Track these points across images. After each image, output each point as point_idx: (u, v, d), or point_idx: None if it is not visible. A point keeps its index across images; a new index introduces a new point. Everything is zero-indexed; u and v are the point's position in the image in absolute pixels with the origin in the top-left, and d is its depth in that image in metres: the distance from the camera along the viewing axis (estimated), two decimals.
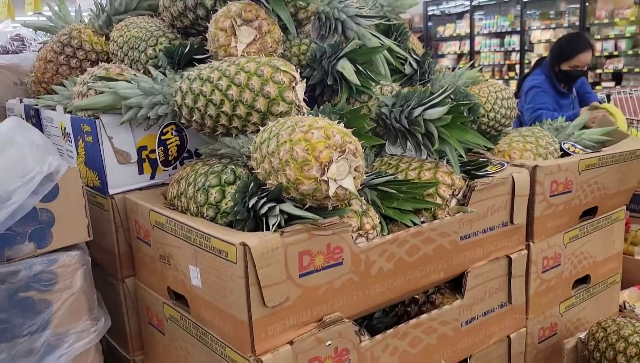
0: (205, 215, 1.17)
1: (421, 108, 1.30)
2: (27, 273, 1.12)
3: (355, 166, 1.05)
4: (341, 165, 1.03)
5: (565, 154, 1.69)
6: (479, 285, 1.38)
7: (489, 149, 1.61)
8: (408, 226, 1.23)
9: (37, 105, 1.75)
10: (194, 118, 1.26)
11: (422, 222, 1.25)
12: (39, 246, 1.15)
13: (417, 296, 1.42)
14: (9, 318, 1.11)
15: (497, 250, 1.41)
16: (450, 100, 1.29)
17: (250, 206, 1.07)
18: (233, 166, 1.22)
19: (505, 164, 1.44)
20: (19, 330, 1.12)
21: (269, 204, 1.05)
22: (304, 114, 1.22)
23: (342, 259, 1.11)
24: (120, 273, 1.43)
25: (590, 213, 1.65)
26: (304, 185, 1.01)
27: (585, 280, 1.70)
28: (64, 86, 1.67)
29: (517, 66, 8.95)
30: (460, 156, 1.30)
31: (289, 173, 1.02)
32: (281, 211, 1.05)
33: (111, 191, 1.39)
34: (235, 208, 1.10)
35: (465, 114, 1.44)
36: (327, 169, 1.01)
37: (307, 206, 1.06)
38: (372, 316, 1.38)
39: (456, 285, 1.41)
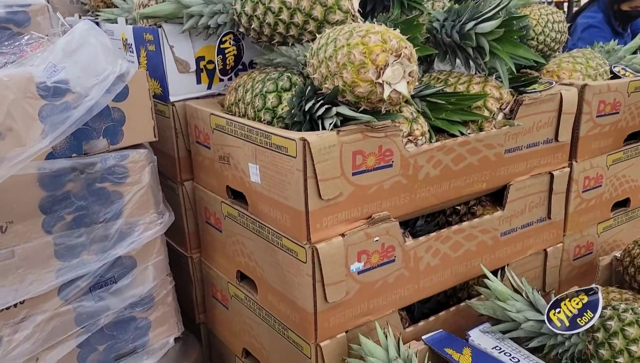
0: (262, 119, 1.24)
1: (473, 22, 1.32)
2: (102, 166, 1.22)
3: (409, 71, 1.09)
4: (396, 69, 1.07)
5: (615, 77, 1.69)
6: (520, 199, 1.43)
7: (538, 69, 1.62)
8: (455, 136, 1.28)
9: (96, 19, 1.82)
10: (252, 26, 1.31)
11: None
12: (112, 142, 1.25)
13: (458, 207, 1.49)
14: (87, 205, 1.22)
15: (540, 166, 1.45)
16: (502, 15, 1.31)
17: (306, 109, 1.14)
18: (289, 74, 1.27)
19: (554, 82, 1.46)
20: (96, 217, 1.24)
21: (325, 107, 1.11)
22: None
23: (392, 161, 1.17)
24: (180, 176, 1.53)
25: (635, 136, 1.66)
26: (360, 87, 1.07)
27: (624, 203, 1.74)
28: (124, 0, 1.74)
29: None
30: (510, 71, 1.33)
31: (345, 76, 1.07)
32: (337, 114, 1.11)
33: (172, 99, 1.47)
34: (292, 111, 1.17)
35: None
36: (383, 72, 1.06)
37: (361, 109, 1.12)
38: (414, 223, 1.46)
39: (497, 198, 1.46)
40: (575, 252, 1.64)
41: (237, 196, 1.36)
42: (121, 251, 1.28)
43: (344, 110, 1.11)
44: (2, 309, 1.16)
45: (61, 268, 1.22)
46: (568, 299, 1.19)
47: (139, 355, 1.39)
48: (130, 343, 1.37)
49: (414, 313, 1.48)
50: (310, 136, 1.06)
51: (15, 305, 1.18)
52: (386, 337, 1.16)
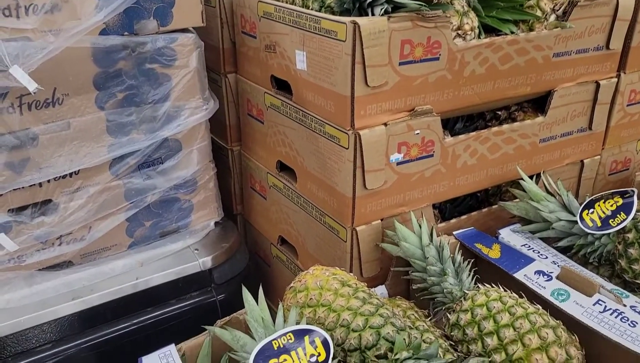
0: (310, 8, 1.24)
1: None
2: (152, 46, 1.25)
3: None
4: None
5: None
6: (563, 106, 1.42)
7: None
8: (505, 35, 1.26)
9: None
10: None
11: None
12: (162, 24, 1.26)
13: (499, 112, 1.49)
14: (137, 85, 1.26)
15: (587, 74, 1.43)
16: None
17: None
18: None
19: None
20: (145, 98, 1.28)
21: None
22: None
23: (439, 55, 1.17)
24: (223, 68, 1.56)
25: None
26: None
27: None
28: None
29: None
30: None
31: None
32: (387, 0, 1.10)
33: None
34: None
35: None
36: None
37: None
38: (453, 126, 1.47)
39: (539, 105, 1.46)
40: (611, 167, 1.64)
41: (281, 87, 1.38)
42: (168, 133, 1.33)
43: None
44: (59, 177, 1.23)
45: (112, 144, 1.27)
46: (602, 200, 1.21)
47: (182, 234, 1.48)
48: (174, 223, 1.45)
49: (445, 214, 1.52)
50: (360, 20, 1.06)
51: (70, 175, 1.25)
52: (420, 226, 1.20)
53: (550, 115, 1.41)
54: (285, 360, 0.85)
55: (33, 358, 1.21)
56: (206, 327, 1.01)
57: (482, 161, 1.35)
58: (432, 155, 1.26)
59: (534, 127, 1.40)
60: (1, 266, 1.23)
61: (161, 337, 1.01)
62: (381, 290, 1.24)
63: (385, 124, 1.16)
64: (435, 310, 1.16)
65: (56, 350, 1.23)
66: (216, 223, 1.54)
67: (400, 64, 1.13)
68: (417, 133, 1.21)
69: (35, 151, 1.18)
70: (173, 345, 1.01)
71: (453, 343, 1.07)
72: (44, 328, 1.23)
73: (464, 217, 1.39)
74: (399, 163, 1.21)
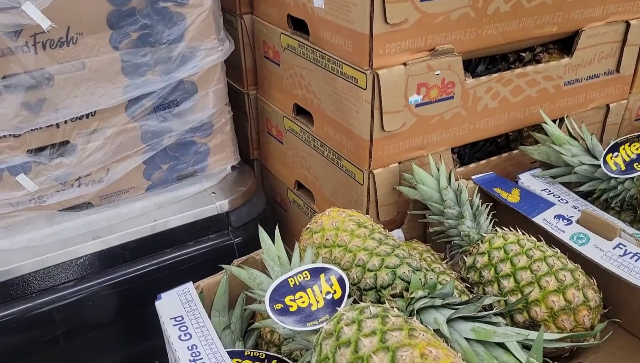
0: None
1: None
2: None
3: None
4: None
5: None
6: (590, 47, 1.37)
7: None
8: None
9: None
10: None
11: None
12: None
13: (523, 54, 1.43)
14: (151, 24, 1.23)
15: (616, 13, 1.36)
16: None
17: None
18: None
19: None
20: (160, 37, 1.26)
21: None
22: None
23: None
24: (239, 8, 1.52)
25: None
26: None
27: None
28: None
29: None
30: None
31: None
32: None
33: None
34: None
35: None
36: None
37: None
38: (474, 69, 1.42)
39: (565, 47, 1.40)
40: (638, 112, 1.59)
41: (297, 28, 1.34)
42: (183, 74, 1.31)
43: None
44: (76, 118, 1.23)
45: (128, 85, 1.26)
46: (628, 143, 1.18)
47: (199, 178, 1.48)
48: (191, 166, 1.46)
49: (464, 159, 1.49)
50: None
51: (87, 116, 1.25)
52: (438, 169, 1.18)
53: (577, 56, 1.36)
54: (301, 297, 0.85)
55: (56, 295, 1.24)
56: (223, 265, 1.02)
57: (504, 104, 1.31)
58: (452, 97, 1.22)
59: (559, 69, 1.35)
60: (22, 206, 1.25)
61: (179, 278, 1.03)
62: (398, 234, 1.24)
63: (405, 64, 1.13)
64: (452, 253, 1.16)
65: (78, 287, 1.27)
66: (233, 167, 1.54)
67: (421, 0, 1.09)
68: (438, 74, 1.18)
69: (51, 92, 1.18)
70: (191, 282, 1.03)
71: (469, 286, 1.08)
72: (66, 266, 1.26)
73: (482, 162, 1.37)
74: (418, 105, 1.18)
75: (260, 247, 0.97)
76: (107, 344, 1.38)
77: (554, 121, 1.32)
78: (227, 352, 0.89)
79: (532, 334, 0.76)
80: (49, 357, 1.27)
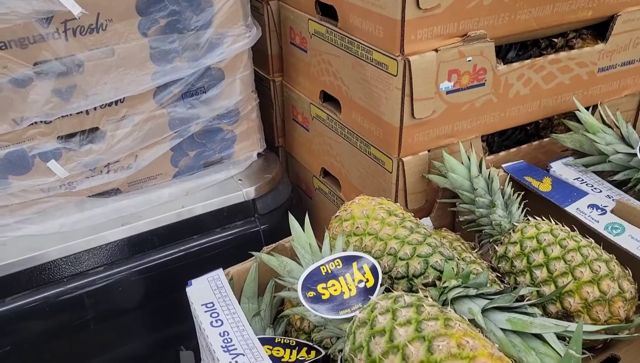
0: None
1: None
2: None
3: None
4: None
5: None
6: (626, 32, 1.33)
7: None
8: None
9: None
10: None
11: None
12: None
13: (555, 40, 1.40)
14: (180, 11, 1.23)
15: None
16: None
17: None
18: None
19: None
20: (188, 24, 1.25)
21: None
22: None
23: None
24: None
25: None
26: None
27: None
28: None
29: None
30: None
31: None
32: None
33: None
34: None
35: None
36: None
37: None
38: (506, 53, 1.40)
39: (599, 33, 1.37)
40: None
41: (325, 13, 1.33)
42: (210, 61, 1.31)
43: None
44: (105, 105, 1.24)
45: (156, 71, 1.26)
46: None
47: (225, 164, 1.48)
48: (218, 153, 1.46)
49: (493, 148, 1.47)
50: None
51: (116, 103, 1.25)
52: (469, 157, 1.17)
53: (612, 42, 1.33)
54: (333, 285, 0.85)
55: (86, 280, 1.26)
56: (253, 252, 1.02)
57: (536, 91, 1.29)
58: (483, 84, 1.20)
59: (592, 55, 1.32)
60: (53, 192, 1.26)
61: (206, 265, 1.03)
62: (426, 222, 1.23)
63: (436, 50, 1.11)
64: (482, 242, 1.15)
65: (107, 273, 1.28)
66: (259, 155, 1.54)
67: None
68: (469, 60, 1.16)
69: (81, 78, 1.18)
70: (221, 269, 1.03)
71: (499, 276, 1.06)
72: (96, 252, 1.27)
73: (513, 150, 1.35)
74: (448, 92, 1.17)
75: (286, 234, 0.96)
76: (135, 329, 1.39)
77: (587, 109, 1.29)
78: (258, 338, 0.89)
79: (572, 326, 0.75)
80: (80, 341, 1.29)
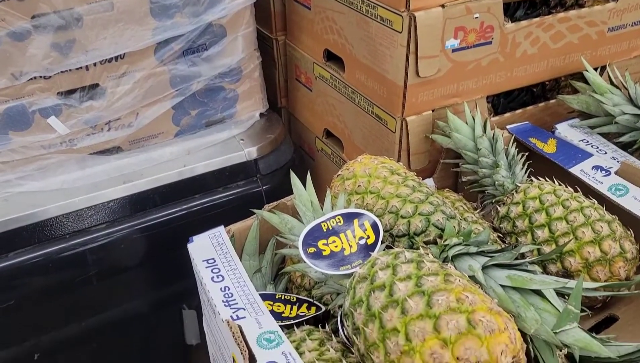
0: None
1: None
2: None
3: None
4: None
5: None
6: None
7: None
8: None
9: None
10: None
11: None
12: None
13: None
14: None
15: None
16: None
17: None
18: None
19: None
20: None
21: None
22: None
23: None
24: None
25: None
26: None
27: None
28: None
29: None
30: None
31: None
32: None
33: None
34: None
35: None
36: None
37: None
38: (514, 12, 1.36)
39: None
40: None
41: None
42: (212, 17, 1.28)
43: None
44: (105, 61, 1.22)
45: (157, 27, 1.24)
46: None
47: (227, 124, 1.47)
48: (220, 113, 1.44)
49: (498, 109, 1.45)
50: None
51: (116, 59, 1.23)
52: (473, 118, 1.15)
53: (623, 0, 1.29)
54: (334, 241, 0.85)
55: (89, 237, 1.26)
56: (254, 210, 1.02)
57: (544, 51, 1.26)
58: (490, 42, 1.18)
59: (603, 14, 1.29)
60: (54, 148, 1.26)
61: (207, 223, 1.03)
62: (429, 183, 1.22)
63: (443, 6, 1.09)
64: (484, 203, 1.14)
65: (110, 230, 1.28)
66: (261, 115, 1.52)
67: None
68: (476, 17, 1.13)
69: (81, 33, 1.16)
70: (222, 226, 1.03)
71: (501, 236, 1.06)
72: (98, 209, 1.27)
73: (518, 111, 1.33)
74: (454, 50, 1.14)
75: (287, 195, 0.96)
76: (137, 286, 1.41)
77: (595, 70, 1.26)
78: (259, 294, 0.90)
79: (571, 282, 0.75)
80: (83, 297, 1.31)
